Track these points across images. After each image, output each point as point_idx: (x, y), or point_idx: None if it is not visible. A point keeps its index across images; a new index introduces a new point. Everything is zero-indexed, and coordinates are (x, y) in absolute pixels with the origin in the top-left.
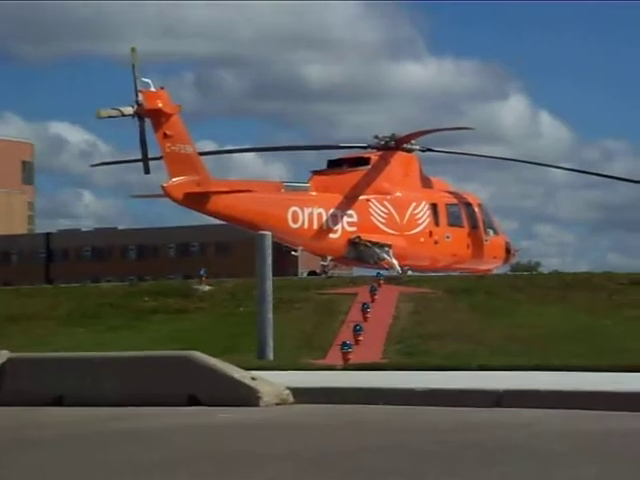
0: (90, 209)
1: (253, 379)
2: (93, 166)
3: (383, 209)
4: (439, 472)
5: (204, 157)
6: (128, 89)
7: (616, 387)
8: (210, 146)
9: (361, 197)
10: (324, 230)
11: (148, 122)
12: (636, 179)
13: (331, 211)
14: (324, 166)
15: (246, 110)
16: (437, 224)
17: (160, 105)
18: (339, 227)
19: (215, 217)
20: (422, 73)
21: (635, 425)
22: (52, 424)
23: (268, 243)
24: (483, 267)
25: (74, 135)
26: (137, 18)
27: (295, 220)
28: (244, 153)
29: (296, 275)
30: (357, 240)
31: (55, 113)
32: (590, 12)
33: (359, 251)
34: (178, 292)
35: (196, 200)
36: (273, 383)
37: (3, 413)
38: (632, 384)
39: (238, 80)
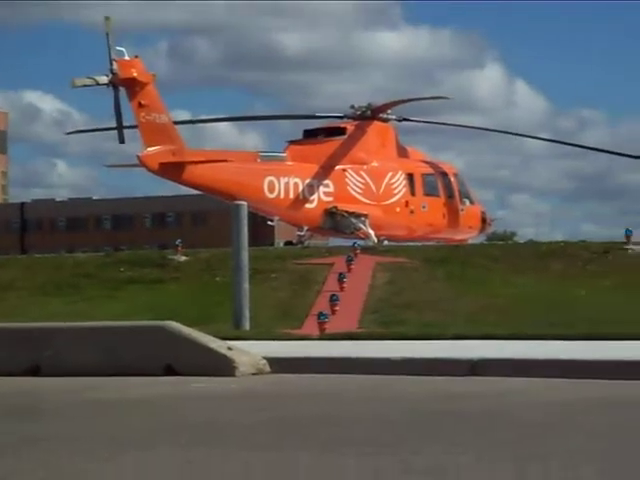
0: (64, 179)
1: (229, 349)
2: (68, 134)
3: (359, 179)
4: (416, 441)
5: (179, 127)
6: (102, 57)
7: (590, 355)
8: (184, 115)
9: (337, 167)
10: (300, 200)
11: (123, 91)
12: (609, 149)
13: (307, 181)
14: (300, 136)
15: (221, 79)
16: (413, 194)
17: (135, 74)
18: (315, 197)
19: (191, 187)
20: (398, 42)
21: (607, 393)
22: (29, 393)
23: (244, 213)
24: (459, 237)
25: (48, 104)
26: None
27: (271, 190)
28: (219, 123)
29: (272, 245)
30: (333, 210)
31: (28, 82)
32: None
33: (335, 221)
34: (154, 262)
35: (172, 170)
36: (249, 353)
37: None
38: (606, 353)
39: (212, 49)
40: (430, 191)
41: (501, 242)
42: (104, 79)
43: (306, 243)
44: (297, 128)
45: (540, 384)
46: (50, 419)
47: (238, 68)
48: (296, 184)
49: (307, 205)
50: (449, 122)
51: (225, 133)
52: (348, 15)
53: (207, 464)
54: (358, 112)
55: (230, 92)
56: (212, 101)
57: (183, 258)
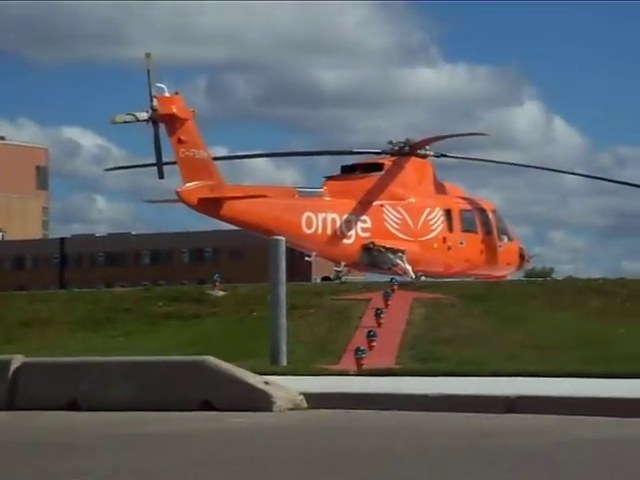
0: (104, 214)
1: (267, 384)
2: (108, 170)
3: (397, 215)
4: (451, 478)
5: (217, 162)
6: (140, 94)
7: (629, 394)
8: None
9: (375, 203)
10: (338, 235)
11: (162, 127)
12: None
13: (345, 216)
14: (337, 172)
15: (258, 115)
16: (451, 230)
17: (175, 110)
18: (353, 233)
19: (229, 222)
20: (435, 79)
21: None
22: (65, 428)
23: (282, 248)
24: (497, 273)
25: (87, 140)
26: (150, 23)
27: (309, 225)
28: (257, 158)
29: (309, 281)
30: (371, 246)
31: (68, 118)
32: (604, 18)
33: (373, 257)
34: (192, 297)
35: (210, 205)
36: (286, 388)
37: (17, 417)
38: None
39: (250, 85)
40: (468, 227)
41: (540, 279)
42: (144, 115)
43: (343, 279)
44: (334, 164)
45: (577, 422)
46: (86, 454)
47: (276, 104)
48: (334, 220)
49: (344, 241)
50: (486, 158)
51: (263, 169)
52: (386, 52)
53: None
54: (396, 148)
55: (268, 128)
56: (250, 137)
57: (221, 293)
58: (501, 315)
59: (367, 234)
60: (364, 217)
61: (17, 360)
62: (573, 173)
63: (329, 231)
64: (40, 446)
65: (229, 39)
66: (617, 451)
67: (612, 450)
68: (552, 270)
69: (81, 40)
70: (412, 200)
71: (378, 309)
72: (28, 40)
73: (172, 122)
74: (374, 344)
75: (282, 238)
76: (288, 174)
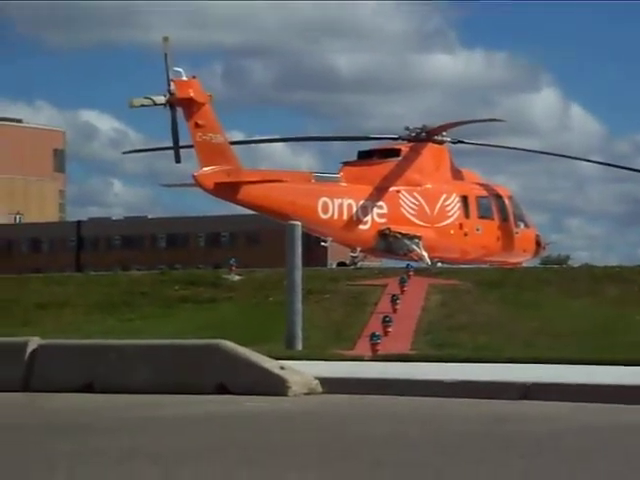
0: (120, 197)
1: (282, 368)
2: (125, 153)
3: (413, 201)
4: (464, 464)
5: (234, 147)
6: (157, 77)
7: None
8: (239, 136)
9: (391, 188)
10: (354, 221)
11: (180, 111)
12: None
13: (361, 202)
14: (353, 157)
15: (275, 100)
16: (467, 216)
17: (192, 94)
18: (369, 218)
19: (245, 207)
20: (453, 64)
21: None
22: (81, 410)
23: (298, 233)
24: (513, 260)
25: (104, 123)
26: (167, 7)
27: (325, 211)
28: (273, 143)
29: (325, 266)
30: (387, 231)
31: (86, 101)
32: (624, 3)
33: (389, 242)
34: (208, 281)
35: (227, 190)
36: (302, 373)
37: (34, 398)
38: None
39: (267, 70)
40: (484, 214)
41: (556, 265)
42: (161, 99)
43: (359, 264)
44: (351, 149)
45: (592, 409)
46: (101, 436)
47: (292, 89)
48: (350, 205)
49: (360, 226)
50: (503, 145)
51: (279, 154)
52: (403, 37)
53: None
54: (413, 134)
55: (284, 113)
56: (266, 122)
57: (237, 277)
58: (517, 302)
59: (383, 220)
60: (380, 203)
61: (33, 342)
62: (590, 160)
63: (345, 216)
64: (55, 428)
65: (246, 24)
66: (632, 439)
67: (627, 438)
68: (568, 257)
69: (98, 23)
70: (429, 186)
71: (394, 295)
72: (45, 23)
73: (189, 106)
74: (389, 330)
75: (298, 223)
76: (304, 159)
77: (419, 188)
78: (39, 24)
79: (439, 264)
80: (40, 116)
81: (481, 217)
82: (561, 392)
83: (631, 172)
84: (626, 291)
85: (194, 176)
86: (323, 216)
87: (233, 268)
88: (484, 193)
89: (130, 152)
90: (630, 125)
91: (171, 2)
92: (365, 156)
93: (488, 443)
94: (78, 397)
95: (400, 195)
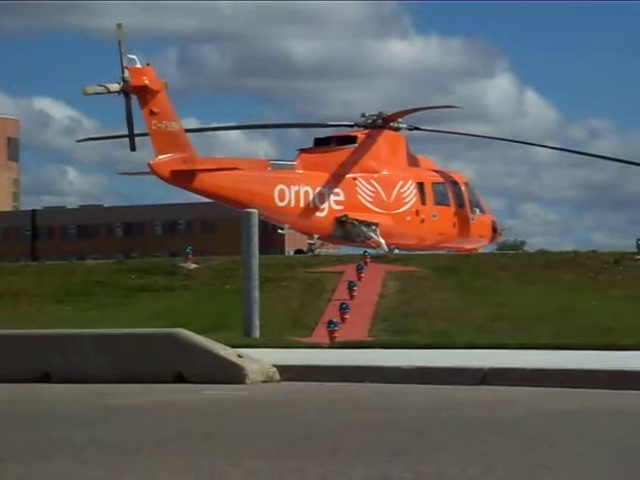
0: (75, 186)
1: (239, 356)
2: (79, 141)
3: (370, 187)
4: (423, 449)
5: (189, 135)
6: (110, 64)
7: (600, 365)
8: (194, 123)
9: (348, 175)
10: (311, 208)
11: (134, 99)
12: (620, 158)
13: (318, 189)
14: (310, 144)
15: (231, 87)
16: (424, 203)
17: (146, 82)
18: (326, 205)
19: (202, 195)
20: (408, 50)
21: (618, 404)
22: (38, 400)
23: (254, 221)
24: (469, 246)
25: (58, 111)
26: None
27: (282, 198)
28: (229, 131)
29: (283, 253)
30: (344, 218)
31: (39, 89)
32: None
33: (346, 229)
34: (164, 270)
35: (183, 178)
36: (259, 361)
37: None
38: (616, 363)
39: (222, 56)
40: (441, 200)
41: (512, 251)
42: (116, 87)
43: (316, 251)
44: (308, 136)
45: (549, 394)
46: (59, 426)
47: (248, 76)
48: (307, 192)
49: (318, 213)
50: (459, 131)
51: (235, 141)
52: (358, 24)
53: (212, 472)
54: (369, 121)
55: (240, 100)
56: (222, 109)
57: (193, 266)
58: (473, 288)
59: (340, 207)
60: (337, 190)
61: None
62: (544, 146)
63: (302, 204)
64: (10, 419)
65: (200, 9)
66: (586, 423)
67: (581, 422)
68: (524, 243)
69: (49, 8)
70: (385, 173)
71: (351, 282)
72: None
73: (144, 94)
74: (347, 317)
75: (255, 211)
76: (261, 146)
77: (376, 175)
78: None
79: (396, 251)
80: None
81: (437, 204)
82: (519, 377)
83: (586, 157)
84: (581, 276)
85: (150, 164)
86: (280, 204)
87: (190, 256)
88: (440, 180)
89: (84, 140)
90: (584, 110)
91: None
92: (321, 143)
93: (448, 428)
94: (34, 387)
95: (357, 182)
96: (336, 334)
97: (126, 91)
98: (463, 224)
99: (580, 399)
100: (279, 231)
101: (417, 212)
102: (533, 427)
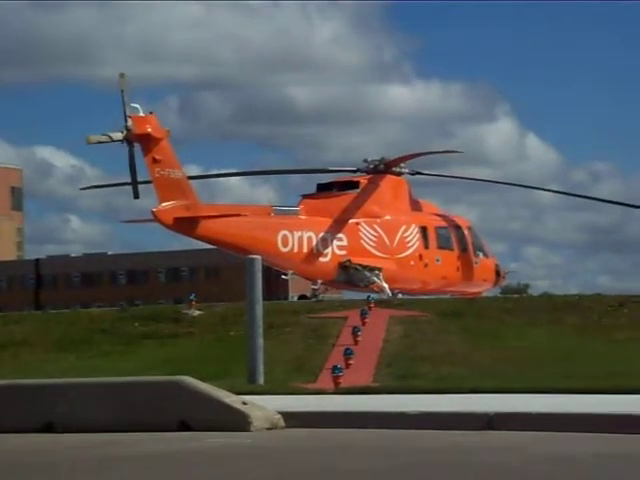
0: (78, 234)
1: (244, 404)
2: (83, 189)
3: (373, 232)
4: None
5: (192, 182)
6: (112, 113)
7: (606, 409)
8: (196, 170)
9: (351, 221)
10: (314, 254)
11: (137, 147)
12: (623, 201)
13: (321, 235)
14: (312, 189)
15: (232, 134)
16: (427, 247)
17: (149, 130)
18: (329, 251)
19: (205, 241)
20: (409, 95)
21: (624, 448)
22: (43, 450)
23: (258, 267)
24: (473, 290)
25: (60, 160)
26: (120, 42)
27: (285, 244)
28: (231, 177)
29: (286, 299)
30: (347, 263)
31: (41, 138)
32: (576, 33)
33: (349, 274)
34: (168, 317)
35: (186, 225)
36: (264, 407)
37: None
38: (622, 406)
39: (223, 103)
40: (444, 244)
41: (516, 295)
42: (119, 135)
43: (320, 297)
44: (309, 182)
45: (555, 438)
46: (63, 476)
47: (249, 122)
48: (310, 238)
49: (321, 259)
50: (461, 175)
51: (237, 187)
52: (359, 69)
53: None
54: (371, 166)
55: (241, 146)
56: (223, 155)
57: (197, 313)
58: (478, 332)
59: (343, 252)
60: (340, 235)
61: None
62: (546, 189)
63: (305, 249)
64: (12, 468)
65: (200, 57)
66: (593, 466)
67: (588, 466)
68: (527, 286)
69: (51, 59)
70: (388, 218)
71: (355, 327)
72: None
73: (147, 142)
74: (351, 362)
75: (258, 257)
76: (262, 192)
77: (378, 220)
78: None
79: (400, 295)
80: None
81: (441, 247)
82: (525, 421)
83: (588, 200)
84: (586, 319)
85: (153, 212)
86: (283, 249)
87: (193, 303)
88: (443, 224)
89: (88, 188)
90: (585, 154)
91: (126, 37)
92: (324, 188)
93: (453, 474)
94: (38, 437)
95: (360, 227)
96: (340, 380)
97: (129, 139)
98: (467, 268)
99: (586, 443)
100: (283, 277)
101: (420, 256)
102: (540, 472)
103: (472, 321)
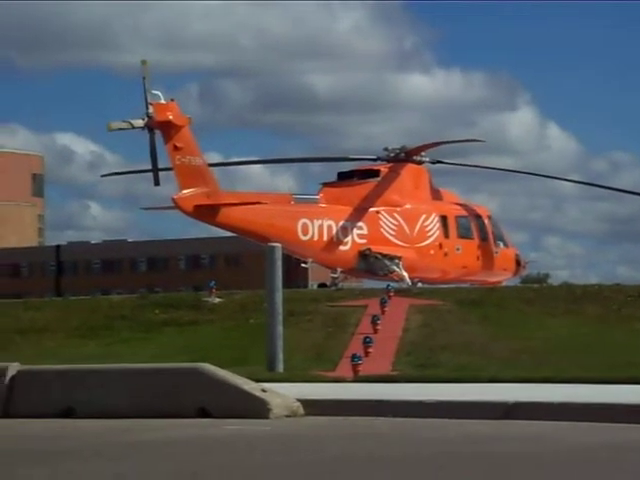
0: (99, 221)
1: (263, 391)
2: (104, 176)
3: (393, 221)
4: None
5: (213, 169)
6: (132, 99)
7: (625, 399)
8: (216, 158)
9: (371, 209)
10: (334, 242)
11: (158, 134)
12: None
13: (341, 223)
14: (332, 178)
15: (253, 121)
16: (447, 236)
17: (170, 117)
18: (349, 239)
19: (225, 229)
20: (430, 84)
21: None
22: (64, 436)
23: (278, 255)
24: (493, 279)
25: (81, 146)
26: (142, 29)
27: (305, 232)
28: (251, 165)
29: (306, 287)
30: (367, 252)
31: (61, 124)
32: (599, 22)
33: (369, 263)
34: (188, 304)
35: (206, 212)
36: (283, 395)
37: (13, 424)
38: None
39: (244, 91)
40: (464, 233)
41: (535, 285)
42: (140, 122)
43: (340, 285)
44: (329, 170)
45: (574, 428)
46: (84, 461)
47: (270, 110)
48: (330, 226)
49: (341, 247)
50: (482, 164)
51: (257, 175)
52: (380, 57)
53: None
54: (392, 154)
55: (262, 134)
56: (244, 143)
57: (217, 300)
58: (498, 321)
59: (363, 240)
60: (360, 223)
61: (13, 368)
62: (567, 179)
63: (325, 237)
64: (34, 453)
65: (221, 45)
66: (612, 457)
67: (607, 456)
68: (547, 276)
69: (72, 45)
70: (408, 206)
71: (375, 315)
72: (18, 45)
73: (168, 129)
74: (370, 351)
75: (278, 245)
76: (282, 180)
77: (399, 208)
78: (11, 46)
79: (419, 284)
80: (16, 140)
81: (461, 237)
82: (543, 411)
83: (609, 190)
84: (606, 309)
85: (173, 199)
86: (303, 237)
87: (213, 291)
88: (463, 213)
89: (109, 175)
90: (606, 143)
91: (147, 23)
92: (345, 177)
93: (471, 463)
94: (59, 422)
95: (380, 216)
96: (360, 368)
97: (150, 126)
98: (487, 257)
99: (605, 433)
100: (303, 265)
101: (440, 245)
102: (558, 462)
103: (492, 310)
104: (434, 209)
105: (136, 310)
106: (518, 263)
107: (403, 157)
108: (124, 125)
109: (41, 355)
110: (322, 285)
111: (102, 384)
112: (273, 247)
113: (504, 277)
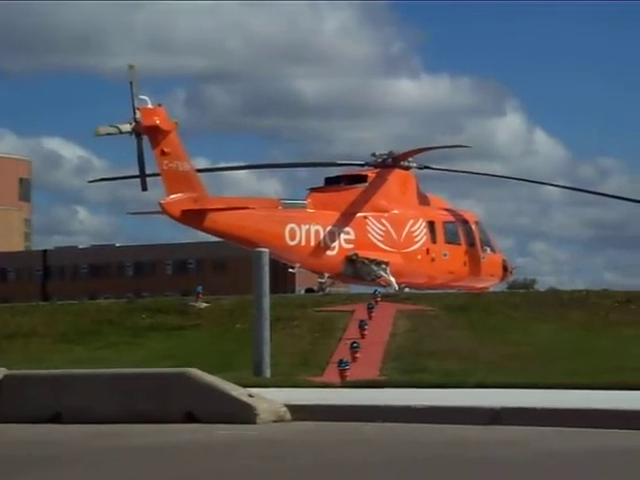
0: (86, 226)
1: (250, 396)
2: (91, 182)
3: (380, 226)
4: None
5: (200, 174)
6: (120, 103)
7: (612, 405)
8: (203, 163)
9: (358, 214)
10: (321, 247)
11: (145, 139)
12: (629, 197)
13: (328, 228)
14: (319, 183)
15: (240, 126)
16: (434, 241)
17: (158, 122)
18: (336, 244)
19: (212, 234)
20: (418, 90)
21: (631, 443)
22: (51, 441)
23: (265, 260)
24: (480, 285)
25: (68, 151)
26: (128, 33)
27: (292, 237)
28: (238, 170)
29: (293, 292)
30: (354, 257)
31: (49, 129)
32: (585, 27)
33: (356, 268)
34: (175, 309)
35: (193, 217)
36: (270, 400)
37: (1, 430)
38: (628, 402)
39: (231, 96)
40: (451, 239)
41: (522, 290)
42: (127, 127)
43: (327, 290)
44: (317, 175)
45: (560, 433)
46: (69, 467)
47: (257, 115)
48: (317, 231)
49: (328, 252)
50: (469, 170)
51: (244, 180)
52: (367, 63)
53: None
54: (379, 160)
55: (249, 139)
56: (231, 148)
57: (204, 305)
58: (484, 326)
59: (351, 245)
60: (347, 229)
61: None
62: (554, 185)
63: (312, 243)
64: (21, 460)
65: (208, 49)
66: (599, 463)
67: (594, 462)
68: (534, 282)
69: (58, 49)
70: (396, 212)
71: (362, 321)
72: (5, 48)
73: (155, 134)
74: (358, 356)
75: (266, 250)
76: (269, 185)
77: (386, 214)
78: None
79: (406, 289)
80: (3, 144)
81: (448, 242)
82: (530, 416)
83: (596, 196)
84: (593, 315)
85: (161, 204)
86: (290, 242)
87: (200, 296)
88: (451, 218)
89: (96, 181)
90: (593, 149)
91: (135, 27)
92: (332, 182)
93: (457, 469)
94: (46, 428)
95: (367, 221)
96: (347, 373)
97: (137, 131)
98: (474, 263)
99: (592, 439)
100: (290, 270)
101: (428, 251)
102: (543, 467)
103: (478, 316)
104: (421, 214)
105: (123, 315)
106: (505, 269)
107: (390, 163)
108: (112, 130)
109: (28, 360)
110: (309, 290)
111: (90, 389)
112: (260, 252)
113: (491, 283)
